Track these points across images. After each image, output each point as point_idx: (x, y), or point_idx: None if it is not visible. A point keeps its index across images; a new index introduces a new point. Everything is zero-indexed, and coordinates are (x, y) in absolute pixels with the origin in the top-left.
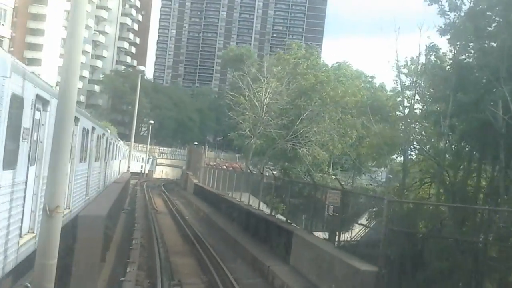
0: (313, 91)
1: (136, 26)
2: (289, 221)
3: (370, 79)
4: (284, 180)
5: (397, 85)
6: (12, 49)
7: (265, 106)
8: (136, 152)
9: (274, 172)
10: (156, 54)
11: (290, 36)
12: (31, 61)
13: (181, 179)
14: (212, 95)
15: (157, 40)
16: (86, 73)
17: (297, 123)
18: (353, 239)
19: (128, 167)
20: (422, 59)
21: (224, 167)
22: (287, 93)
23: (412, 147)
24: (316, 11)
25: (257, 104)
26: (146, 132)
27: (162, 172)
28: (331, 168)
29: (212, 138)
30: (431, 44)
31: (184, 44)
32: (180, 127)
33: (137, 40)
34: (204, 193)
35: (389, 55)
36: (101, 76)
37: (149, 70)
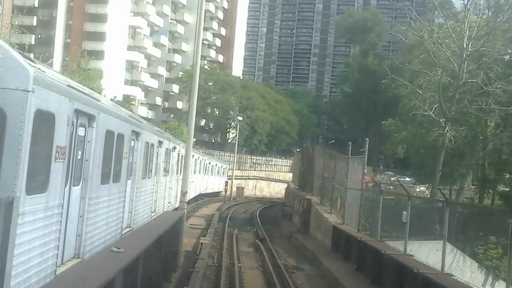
0: None
1: (221, 15)
2: None
3: None
4: None
5: None
6: (68, 40)
7: (466, 60)
8: (206, 159)
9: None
10: (245, 49)
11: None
12: (92, 54)
13: (288, 202)
14: (310, 95)
15: (246, 39)
16: (162, 70)
17: None
18: None
19: (185, 193)
20: None
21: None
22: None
23: None
24: None
25: (450, 57)
26: (235, 139)
27: (255, 187)
28: None
29: (310, 144)
30: None
31: (276, 42)
32: (276, 132)
33: (223, 32)
34: (367, 258)
35: None
36: (180, 73)
37: (237, 67)
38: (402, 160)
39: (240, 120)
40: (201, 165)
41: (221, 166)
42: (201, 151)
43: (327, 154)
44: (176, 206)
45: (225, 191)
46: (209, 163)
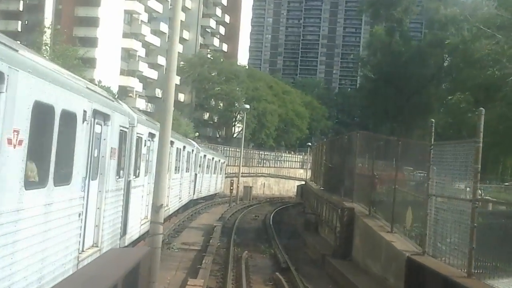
0: None
1: (224, 0)
2: None
3: None
4: None
5: None
6: (58, 26)
7: None
8: (201, 151)
9: None
10: (250, 40)
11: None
12: (84, 41)
13: (308, 205)
14: (319, 86)
15: (252, 30)
16: (161, 60)
17: None
18: None
19: (160, 207)
20: None
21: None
22: None
23: None
24: None
25: None
26: (241, 133)
27: (264, 185)
28: None
29: (320, 139)
30: None
31: (282, 33)
32: (285, 125)
33: (227, 19)
34: None
35: None
36: (181, 63)
37: (242, 57)
38: None
39: (248, 109)
40: (191, 159)
41: (219, 161)
42: (202, 145)
43: (380, 142)
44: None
45: (231, 192)
46: (204, 156)
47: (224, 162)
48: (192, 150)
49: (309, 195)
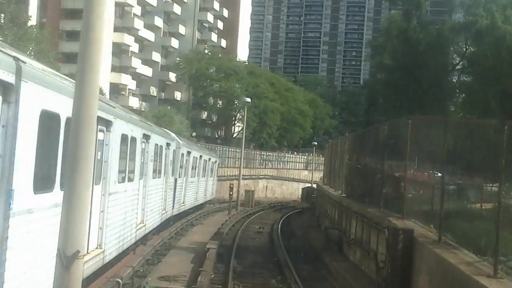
0: None
1: None
2: None
3: None
4: None
5: None
6: (44, 20)
7: None
8: (183, 146)
9: None
10: (250, 36)
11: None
12: (72, 35)
13: (321, 213)
14: (322, 84)
15: (251, 27)
16: (156, 56)
17: None
18: None
19: (75, 256)
20: None
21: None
22: None
23: None
24: None
25: None
26: (241, 133)
27: (266, 188)
28: None
29: (322, 139)
30: None
31: (283, 30)
32: (287, 124)
33: (225, 13)
34: None
35: None
36: (177, 59)
37: (241, 53)
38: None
39: (249, 103)
40: (166, 157)
41: (209, 160)
42: (198, 144)
43: (459, 130)
44: None
45: (230, 197)
46: (187, 153)
47: (216, 161)
48: (168, 144)
49: (324, 202)
